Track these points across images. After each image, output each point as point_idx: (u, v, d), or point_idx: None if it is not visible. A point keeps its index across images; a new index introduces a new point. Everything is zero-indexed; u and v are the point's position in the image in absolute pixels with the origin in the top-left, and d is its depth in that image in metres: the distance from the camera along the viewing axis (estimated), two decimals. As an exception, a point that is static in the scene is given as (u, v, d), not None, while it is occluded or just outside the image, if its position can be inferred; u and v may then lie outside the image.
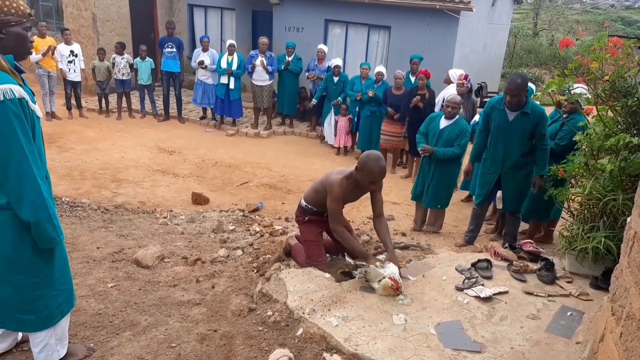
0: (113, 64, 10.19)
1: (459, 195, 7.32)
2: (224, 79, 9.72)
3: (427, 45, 9.95)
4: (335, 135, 9.24)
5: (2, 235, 2.12)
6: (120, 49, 10.22)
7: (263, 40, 9.71)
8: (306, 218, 3.87)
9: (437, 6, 9.54)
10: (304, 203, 3.88)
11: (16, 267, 2.17)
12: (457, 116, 5.45)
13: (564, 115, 4.86)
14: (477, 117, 6.86)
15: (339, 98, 9.08)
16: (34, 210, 2.08)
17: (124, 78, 10.28)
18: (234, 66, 9.62)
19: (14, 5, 2.08)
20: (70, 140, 8.74)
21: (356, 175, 3.49)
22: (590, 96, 4.13)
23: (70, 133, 9.12)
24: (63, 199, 5.83)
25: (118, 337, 2.96)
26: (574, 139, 4.10)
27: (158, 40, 10.66)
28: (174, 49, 10.06)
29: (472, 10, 9.45)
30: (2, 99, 1.96)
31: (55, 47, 9.76)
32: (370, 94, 8.35)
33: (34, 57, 9.48)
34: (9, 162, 2.01)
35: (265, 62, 9.61)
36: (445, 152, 5.38)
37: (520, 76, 4.53)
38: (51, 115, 9.92)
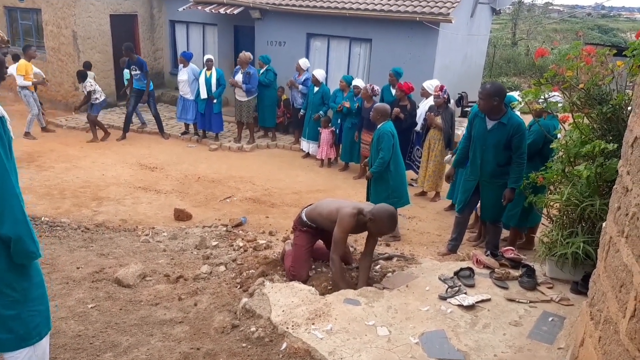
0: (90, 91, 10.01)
1: (441, 204, 7.37)
2: (203, 94, 9.70)
3: (408, 56, 10.07)
4: (318, 147, 9.27)
5: None
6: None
7: (240, 56, 9.74)
8: (303, 228, 4.11)
9: (417, 18, 9.67)
10: (304, 217, 4.11)
11: None
12: (385, 122, 5.71)
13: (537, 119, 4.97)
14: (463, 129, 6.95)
15: (320, 112, 9.12)
16: (15, 225, 2.08)
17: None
18: (213, 80, 9.65)
19: None
20: (49, 158, 8.63)
21: (366, 220, 3.72)
22: (561, 103, 4.21)
23: (49, 151, 9.01)
24: (42, 218, 5.73)
25: (99, 358, 2.91)
26: (550, 146, 4.17)
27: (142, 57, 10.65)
28: (137, 71, 10.03)
29: (451, 22, 9.59)
30: None
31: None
32: (347, 104, 8.43)
33: (24, 82, 9.57)
34: None
35: (239, 82, 9.63)
36: (378, 166, 5.64)
37: (492, 84, 4.63)
38: (43, 130, 10.05)
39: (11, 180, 2.09)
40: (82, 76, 9.75)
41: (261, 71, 9.87)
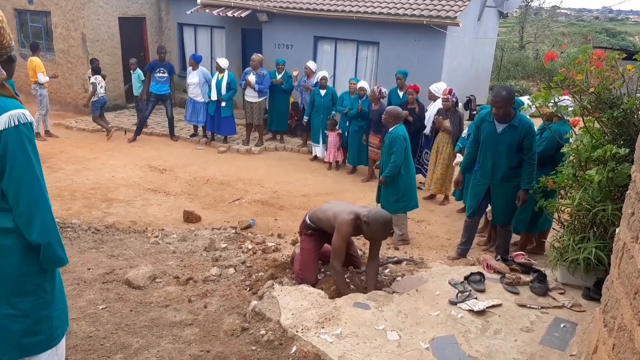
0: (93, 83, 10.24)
1: (450, 207, 7.35)
2: (214, 96, 9.76)
3: (416, 60, 10.06)
4: (326, 150, 9.27)
5: (9, 259, 2.09)
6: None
7: (252, 57, 9.78)
8: (309, 232, 4.12)
9: (424, 22, 9.67)
10: (308, 221, 4.13)
11: (24, 290, 2.16)
12: (397, 125, 5.72)
13: (547, 123, 4.95)
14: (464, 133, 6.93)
15: (333, 112, 9.11)
16: (44, 232, 2.08)
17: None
18: (224, 83, 9.68)
19: (9, 32, 2.12)
20: (60, 160, 8.69)
21: (362, 223, 3.73)
22: (572, 107, 4.20)
23: (60, 153, 9.08)
24: (53, 220, 5.77)
25: (109, 360, 2.93)
26: (561, 150, 4.15)
27: (148, 63, 10.72)
28: (166, 74, 10.14)
29: (459, 25, 9.58)
30: (17, 123, 2.01)
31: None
32: (359, 109, 8.43)
33: (43, 78, 9.67)
34: (22, 185, 2.03)
35: (253, 81, 9.66)
36: (390, 170, 5.65)
37: (505, 88, 4.60)
38: (46, 133, 10.07)
39: (42, 187, 2.09)
40: (94, 69, 10.16)
41: (279, 76, 9.93)
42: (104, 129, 10.39)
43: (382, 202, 5.84)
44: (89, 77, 10.32)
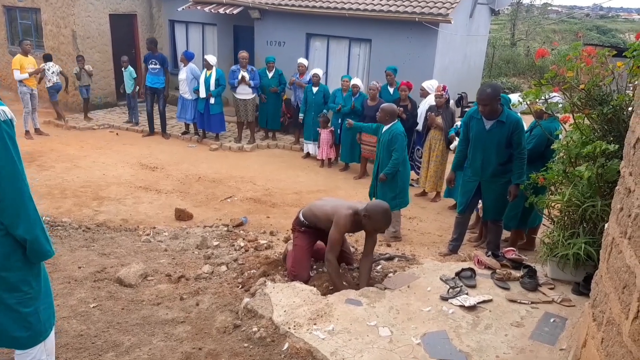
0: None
1: (442, 204, 7.38)
2: (202, 94, 9.71)
3: (408, 57, 10.07)
4: (318, 147, 9.26)
5: None
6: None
7: (242, 54, 9.71)
8: (302, 229, 4.11)
9: (416, 19, 9.68)
10: (302, 218, 4.12)
11: (9, 285, 2.18)
12: (395, 121, 5.73)
13: (537, 120, 4.99)
14: (458, 124, 6.96)
15: (324, 111, 9.10)
16: (30, 226, 2.12)
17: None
18: (212, 80, 9.63)
19: None
20: (50, 158, 8.63)
21: (361, 217, 3.74)
22: (562, 103, 4.23)
23: (50, 151, 9.01)
24: (43, 218, 5.68)
25: (101, 358, 2.92)
26: (551, 147, 4.18)
27: (142, 56, 10.76)
28: (158, 65, 10.07)
29: (451, 22, 9.60)
30: None
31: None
32: (352, 106, 8.43)
33: (20, 75, 9.53)
34: (6, 182, 2.05)
35: (247, 78, 9.62)
36: (392, 167, 5.65)
37: (490, 86, 4.64)
38: (36, 132, 10.00)
39: (25, 183, 2.12)
40: (45, 57, 10.47)
41: (270, 74, 9.89)
42: (60, 116, 10.73)
43: (379, 198, 5.84)
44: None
